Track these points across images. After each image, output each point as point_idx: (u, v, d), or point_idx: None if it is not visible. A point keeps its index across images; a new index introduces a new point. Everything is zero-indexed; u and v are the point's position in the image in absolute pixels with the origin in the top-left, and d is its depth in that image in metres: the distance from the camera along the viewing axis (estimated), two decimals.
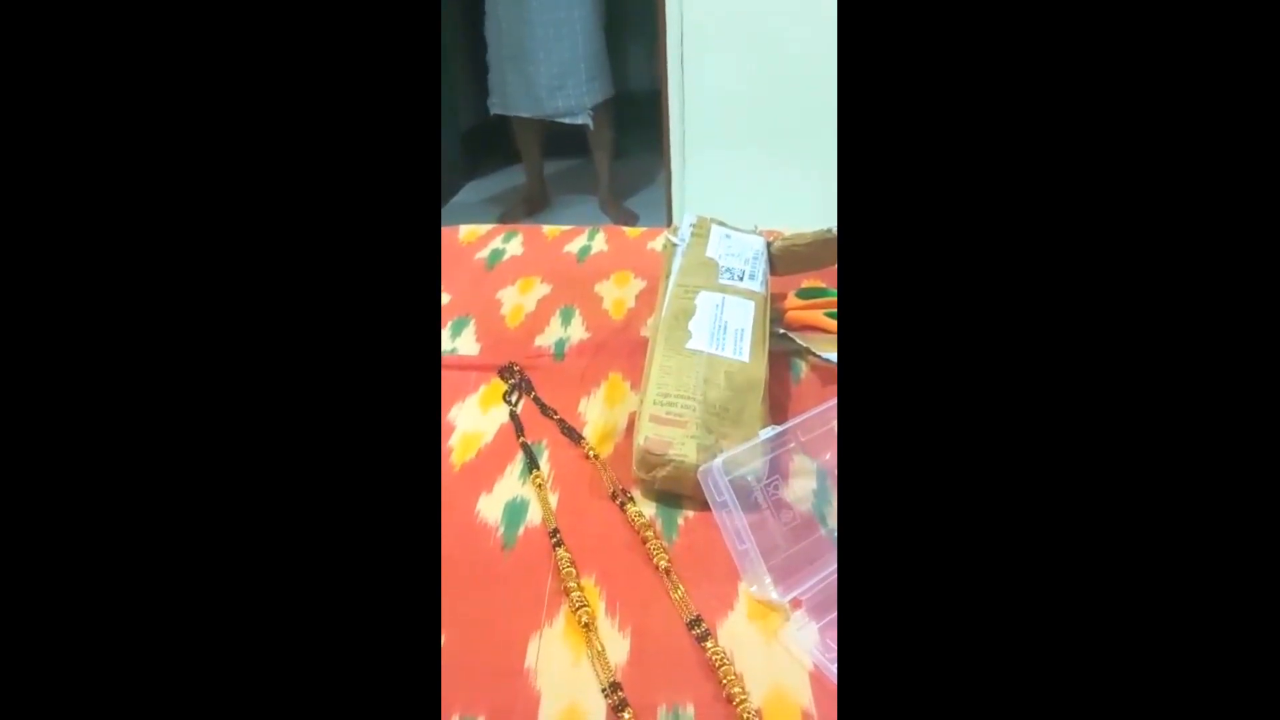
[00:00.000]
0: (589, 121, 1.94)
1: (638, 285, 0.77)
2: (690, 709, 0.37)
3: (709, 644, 0.40)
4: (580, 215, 2.22)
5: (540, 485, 0.52)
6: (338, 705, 0.25)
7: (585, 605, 0.42)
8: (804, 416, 0.49)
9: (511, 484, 0.52)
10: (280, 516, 0.26)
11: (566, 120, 1.94)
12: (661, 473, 0.48)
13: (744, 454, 0.46)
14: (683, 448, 0.48)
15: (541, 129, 2.05)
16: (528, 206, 2.19)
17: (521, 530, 0.48)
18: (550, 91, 1.89)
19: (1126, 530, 0.24)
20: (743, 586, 0.44)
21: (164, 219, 0.26)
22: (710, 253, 0.65)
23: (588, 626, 0.41)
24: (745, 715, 0.36)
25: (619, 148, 2.14)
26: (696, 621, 0.41)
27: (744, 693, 0.37)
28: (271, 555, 0.25)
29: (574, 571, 0.45)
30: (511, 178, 2.36)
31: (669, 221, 1.77)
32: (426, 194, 0.29)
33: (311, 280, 0.27)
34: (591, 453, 0.54)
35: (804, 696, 0.38)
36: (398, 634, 0.26)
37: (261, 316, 0.26)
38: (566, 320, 0.72)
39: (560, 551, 0.46)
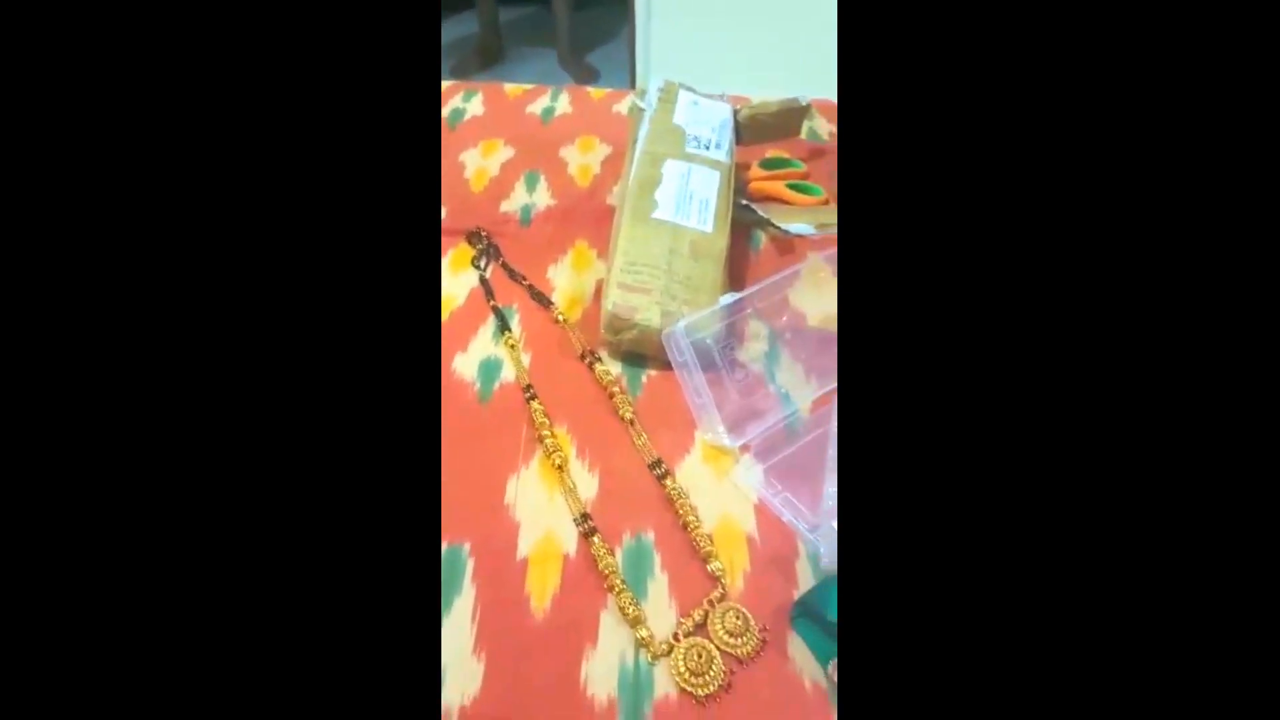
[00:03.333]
0: None
1: (603, 150, 0.77)
2: (651, 534, 0.43)
3: (668, 481, 0.45)
4: (538, 69, 2.11)
5: (513, 346, 0.55)
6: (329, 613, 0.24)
7: (558, 450, 0.47)
8: (761, 284, 0.52)
9: (485, 344, 0.56)
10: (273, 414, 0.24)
11: None
12: (628, 335, 0.52)
13: (704, 319, 0.50)
14: (648, 313, 0.51)
15: None
16: (481, 58, 2.07)
17: (497, 385, 0.52)
18: None
19: (1130, 466, 0.22)
20: (699, 434, 0.49)
21: (150, 126, 0.24)
22: (677, 119, 0.65)
23: (560, 468, 0.46)
24: (698, 539, 0.42)
25: None
26: (657, 463, 0.46)
27: (698, 521, 0.43)
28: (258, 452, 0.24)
29: (547, 422, 0.49)
30: (463, 25, 2.21)
31: (632, 80, 1.71)
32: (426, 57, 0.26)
33: (298, 163, 0.25)
34: (561, 316, 0.57)
35: (749, 524, 0.44)
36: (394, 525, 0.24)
37: (252, 206, 0.25)
38: (531, 186, 0.72)
39: (534, 404, 0.50)
